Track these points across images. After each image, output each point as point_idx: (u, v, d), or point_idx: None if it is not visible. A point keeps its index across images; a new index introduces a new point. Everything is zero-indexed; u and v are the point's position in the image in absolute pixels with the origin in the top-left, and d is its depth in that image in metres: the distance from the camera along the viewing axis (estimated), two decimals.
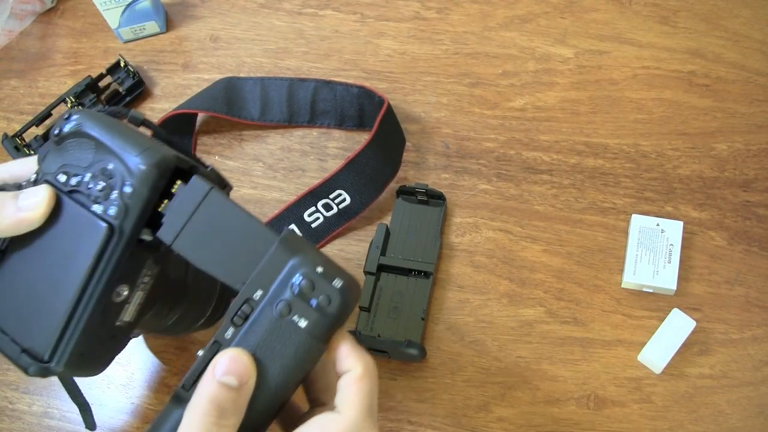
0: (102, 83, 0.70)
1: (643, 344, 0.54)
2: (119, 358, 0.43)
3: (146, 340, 0.59)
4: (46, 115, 0.68)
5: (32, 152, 0.67)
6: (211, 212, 0.38)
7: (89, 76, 0.69)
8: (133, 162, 0.38)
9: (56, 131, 0.40)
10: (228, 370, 0.35)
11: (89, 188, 0.39)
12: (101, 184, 0.38)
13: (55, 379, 0.58)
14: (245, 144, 0.66)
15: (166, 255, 0.42)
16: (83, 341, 0.39)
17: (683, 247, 0.57)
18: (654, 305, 0.56)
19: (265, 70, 0.70)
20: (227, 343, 0.37)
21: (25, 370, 0.39)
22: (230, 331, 0.37)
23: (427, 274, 0.58)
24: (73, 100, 0.68)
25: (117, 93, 0.69)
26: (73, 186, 0.39)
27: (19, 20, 0.75)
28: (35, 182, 0.41)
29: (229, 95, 0.67)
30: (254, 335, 0.36)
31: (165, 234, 0.38)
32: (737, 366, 0.54)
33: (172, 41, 0.73)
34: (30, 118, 0.69)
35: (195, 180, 0.38)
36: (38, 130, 0.68)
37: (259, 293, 0.36)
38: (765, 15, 0.67)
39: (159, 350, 0.58)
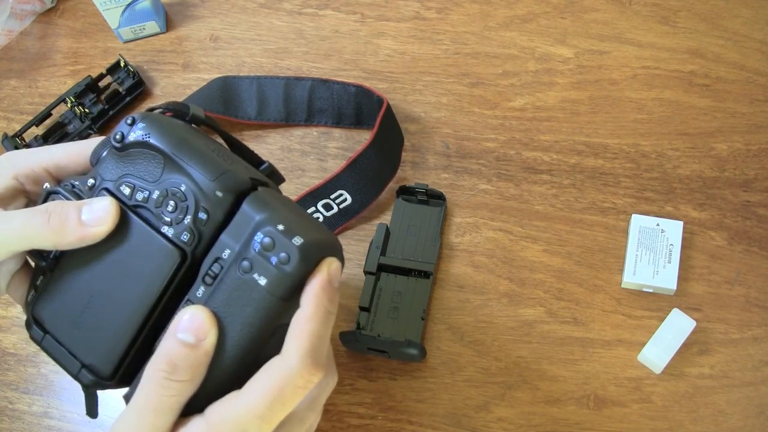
0: (102, 83, 0.70)
1: (643, 344, 0.54)
2: None
3: None
4: (46, 115, 0.68)
5: None
6: None
7: (89, 76, 0.69)
8: (208, 187, 0.37)
9: (118, 135, 0.39)
10: (185, 327, 0.35)
11: (158, 208, 0.38)
12: (171, 205, 0.37)
13: (55, 379, 0.58)
14: (246, 144, 0.66)
15: None
16: (142, 359, 0.38)
17: (683, 247, 0.57)
18: (654, 305, 0.56)
19: (265, 70, 0.70)
20: (198, 302, 0.36)
21: (86, 387, 0.39)
22: (201, 291, 0.36)
23: (427, 274, 0.58)
24: (73, 100, 0.68)
25: (117, 93, 0.69)
26: (139, 201, 0.38)
27: (19, 20, 0.75)
28: (92, 187, 0.39)
29: (225, 95, 0.67)
30: (221, 294, 0.36)
31: None
32: (737, 366, 0.54)
33: (172, 41, 0.73)
34: (30, 118, 0.69)
35: None
36: (38, 130, 0.68)
37: (227, 252, 0.36)
38: (765, 15, 0.67)
39: None
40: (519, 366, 0.55)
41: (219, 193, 0.37)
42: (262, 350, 0.36)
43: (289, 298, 0.35)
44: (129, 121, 0.39)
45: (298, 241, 0.35)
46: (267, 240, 0.35)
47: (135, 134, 0.38)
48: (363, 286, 0.58)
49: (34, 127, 0.68)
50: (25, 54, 0.74)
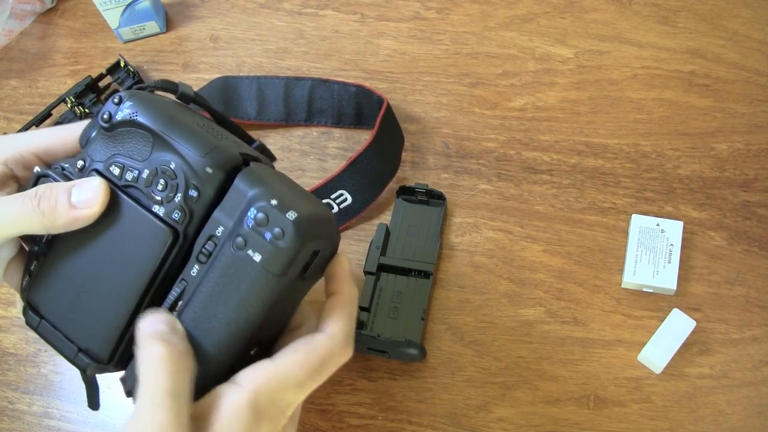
0: (102, 83, 0.70)
1: (643, 344, 0.54)
2: None
3: None
4: (46, 115, 0.68)
5: None
6: None
7: (89, 76, 0.69)
8: (198, 163, 0.36)
9: (105, 115, 0.38)
10: (153, 322, 0.36)
11: (148, 187, 0.37)
12: (161, 183, 0.37)
13: (55, 379, 0.58)
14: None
15: None
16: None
17: (683, 247, 0.57)
18: (654, 305, 0.56)
19: (265, 70, 0.70)
20: (193, 281, 0.36)
21: (83, 370, 0.39)
22: (195, 269, 0.36)
23: (427, 274, 0.58)
24: (73, 100, 0.68)
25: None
26: (129, 181, 0.37)
27: (19, 20, 0.75)
28: (82, 169, 0.39)
29: (225, 95, 0.67)
30: (215, 272, 0.35)
31: None
32: (737, 366, 0.54)
33: (172, 41, 0.73)
34: (30, 118, 0.69)
35: None
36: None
37: (221, 229, 0.36)
38: (765, 15, 0.67)
39: None
40: (519, 366, 0.55)
41: (209, 170, 0.36)
42: (263, 326, 0.36)
43: (284, 273, 0.35)
44: (116, 100, 0.38)
45: (292, 215, 0.34)
46: (261, 215, 0.34)
47: (122, 113, 0.38)
48: (363, 286, 0.58)
49: (34, 127, 0.68)
50: (25, 54, 0.74)
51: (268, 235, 0.34)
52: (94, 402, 0.42)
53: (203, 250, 0.36)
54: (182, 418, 0.33)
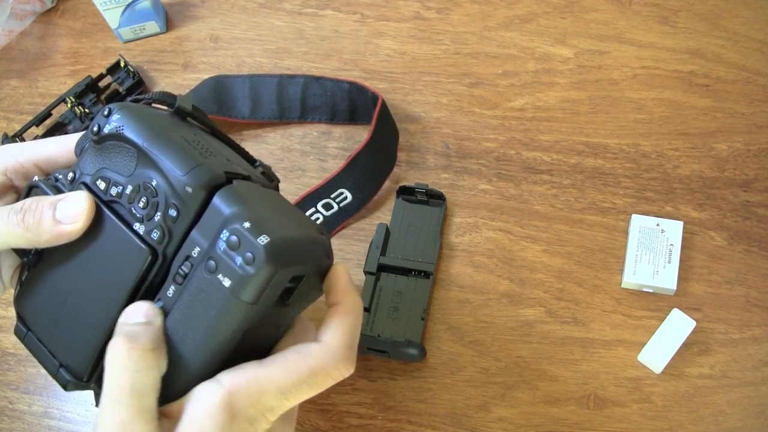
0: (102, 83, 0.70)
1: (643, 344, 0.54)
2: None
3: None
4: (46, 115, 0.68)
5: None
6: None
7: (89, 76, 0.69)
8: (178, 182, 0.35)
9: (95, 128, 0.38)
10: (132, 312, 0.35)
11: (130, 204, 0.36)
12: (143, 201, 0.36)
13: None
14: (244, 144, 0.67)
15: None
16: None
17: (683, 247, 0.57)
18: (654, 305, 0.56)
19: (265, 70, 0.70)
20: (169, 302, 0.35)
21: (64, 386, 0.39)
22: (171, 290, 0.35)
23: (427, 274, 0.58)
24: (73, 100, 0.68)
25: (117, 93, 0.69)
26: (113, 197, 0.37)
27: (19, 20, 0.75)
28: (72, 181, 0.39)
29: (219, 94, 0.67)
30: (188, 294, 0.35)
31: None
32: (737, 366, 0.54)
33: (172, 41, 0.73)
34: (30, 118, 0.69)
35: None
36: (38, 130, 0.68)
37: (197, 250, 0.35)
38: (765, 15, 0.67)
39: None
40: (519, 366, 0.55)
41: (189, 189, 0.35)
42: (237, 351, 0.36)
43: (256, 301, 0.34)
44: (105, 113, 0.37)
45: (263, 240, 0.33)
46: (233, 238, 0.33)
47: (110, 126, 0.37)
48: (363, 286, 0.58)
49: (34, 127, 0.68)
50: (25, 54, 0.74)
51: (238, 260, 0.33)
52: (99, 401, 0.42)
53: (180, 270, 0.35)
54: (145, 416, 0.33)
